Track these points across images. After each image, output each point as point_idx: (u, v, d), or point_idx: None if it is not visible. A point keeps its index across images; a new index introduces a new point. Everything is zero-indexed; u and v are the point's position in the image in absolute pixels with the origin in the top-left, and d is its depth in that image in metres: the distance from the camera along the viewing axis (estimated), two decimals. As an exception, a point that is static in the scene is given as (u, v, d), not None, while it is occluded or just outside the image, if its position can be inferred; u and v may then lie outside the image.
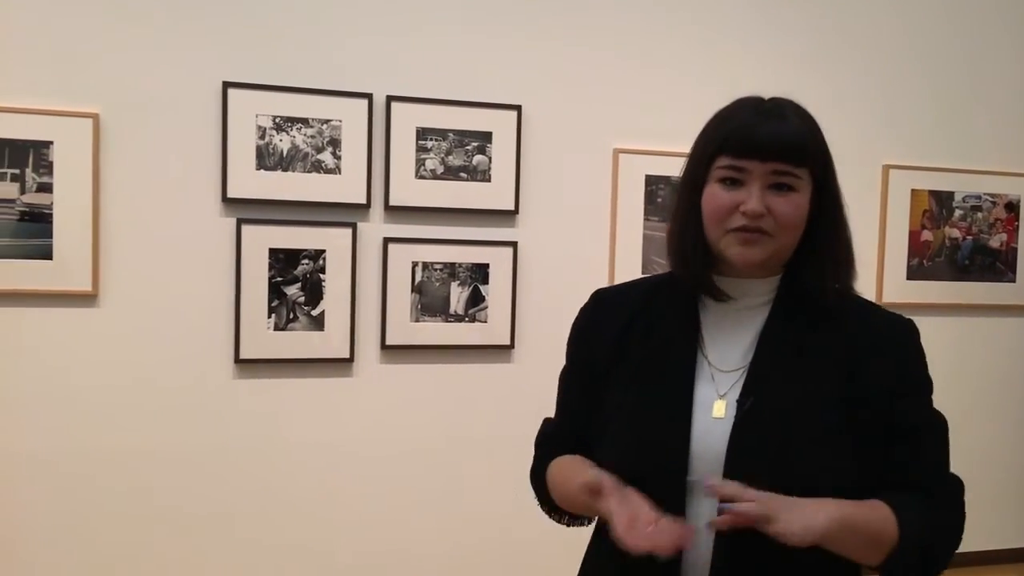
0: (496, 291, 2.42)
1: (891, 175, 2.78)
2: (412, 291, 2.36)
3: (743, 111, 1.06)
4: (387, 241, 2.34)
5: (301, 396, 2.31)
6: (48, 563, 2.16)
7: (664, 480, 1.02)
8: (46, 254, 2.12)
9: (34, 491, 2.15)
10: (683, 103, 2.47)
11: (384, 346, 2.35)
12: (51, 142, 2.10)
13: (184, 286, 2.22)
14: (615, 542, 1.02)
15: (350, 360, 2.33)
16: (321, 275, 2.29)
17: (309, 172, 2.27)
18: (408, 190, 2.34)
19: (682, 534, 0.93)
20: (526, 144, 2.43)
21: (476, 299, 2.41)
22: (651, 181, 2.53)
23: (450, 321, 2.39)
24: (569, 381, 1.23)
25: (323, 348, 2.30)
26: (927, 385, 1.08)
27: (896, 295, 2.76)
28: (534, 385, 2.32)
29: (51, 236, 2.11)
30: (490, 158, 2.40)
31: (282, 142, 2.25)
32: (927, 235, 2.84)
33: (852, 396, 1.02)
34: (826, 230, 1.06)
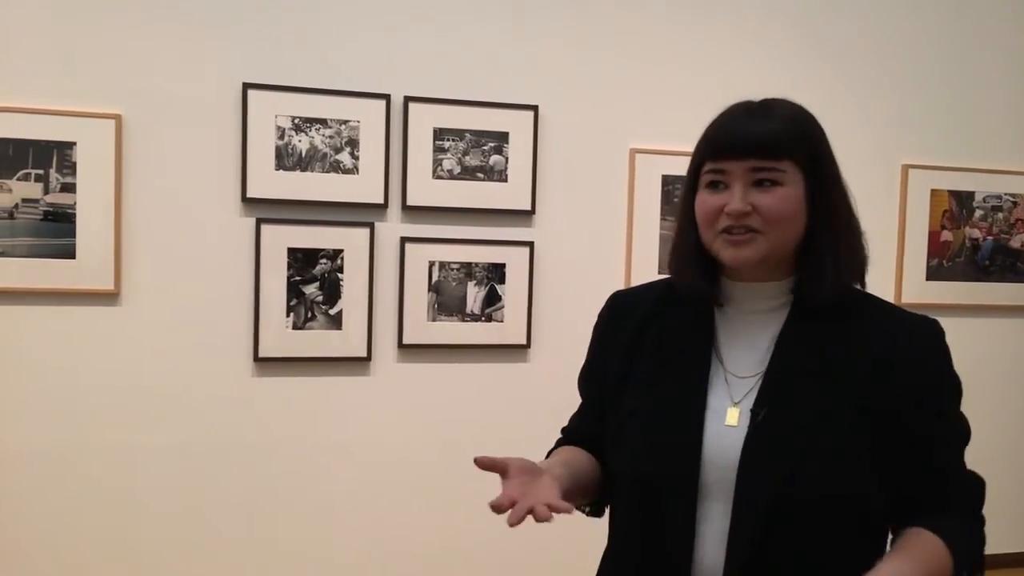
0: (512, 291, 2.43)
1: (910, 175, 2.76)
2: (429, 290, 2.38)
3: (728, 116, 1.06)
4: (404, 241, 2.35)
5: (319, 394, 2.33)
6: (69, 557, 2.20)
7: (676, 486, 1.02)
8: (69, 253, 2.15)
9: (55, 487, 2.18)
10: (700, 103, 2.45)
11: (401, 345, 2.37)
12: (74, 143, 2.14)
13: (204, 285, 2.24)
14: (630, 546, 1.03)
15: (367, 359, 2.35)
16: (339, 274, 2.31)
17: (327, 172, 2.29)
18: (425, 190, 2.35)
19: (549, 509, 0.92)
20: (543, 144, 2.44)
21: (492, 299, 2.42)
22: (668, 181, 2.52)
23: (466, 320, 2.40)
24: (586, 384, 1.23)
25: (341, 347, 2.32)
26: (953, 389, 1.05)
27: (915, 296, 2.74)
28: (550, 384, 2.34)
29: (74, 235, 2.15)
30: (507, 158, 2.41)
31: (301, 142, 2.27)
32: (947, 235, 2.82)
33: (873, 403, 0.99)
34: (828, 225, 1.03)
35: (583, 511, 1.17)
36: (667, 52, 2.54)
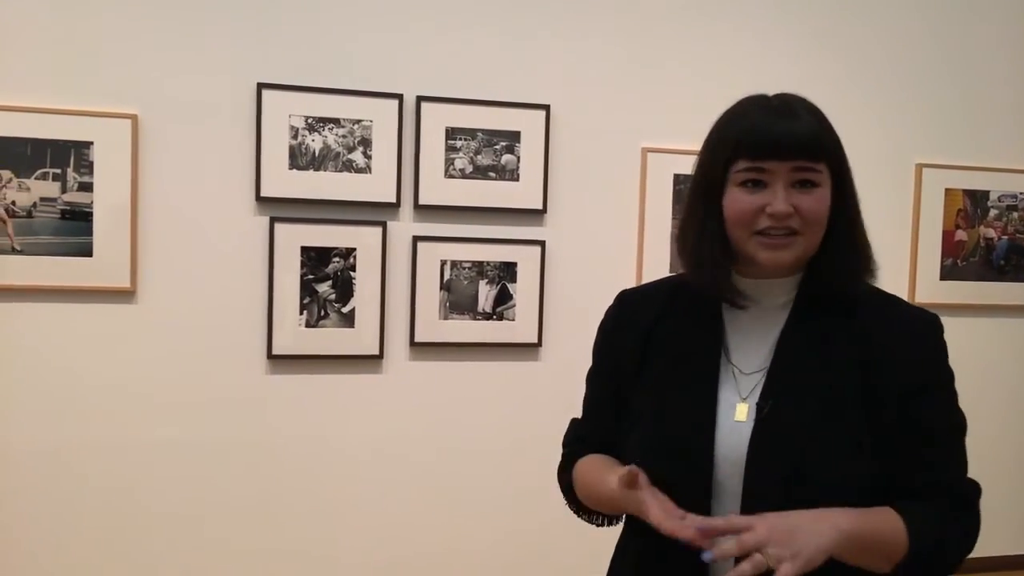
0: (524, 290, 2.44)
1: (924, 174, 2.75)
2: (441, 289, 2.39)
3: (752, 111, 1.05)
4: (416, 240, 2.36)
5: (331, 392, 2.35)
6: (82, 553, 2.22)
7: (688, 483, 1.03)
8: (86, 251, 2.17)
9: (69, 483, 2.21)
10: (712, 102, 2.43)
11: (413, 343, 2.38)
12: (91, 142, 2.16)
13: (218, 283, 2.26)
14: (641, 547, 1.03)
15: (380, 357, 2.36)
16: (352, 273, 2.33)
17: (340, 171, 2.30)
18: (437, 189, 2.36)
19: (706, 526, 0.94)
20: (554, 143, 2.45)
21: (504, 297, 2.43)
22: (679, 180, 2.52)
23: (478, 319, 2.41)
24: (595, 383, 1.23)
25: (353, 345, 2.33)
26: (948, 383, 1.06)
27: (929, 296, 2.72)
28: (561, 383, 2.34)
29: (91, 234, 2.17)
30: (518, 157, 2.41)
31: (314, 142, 2.29)
32: (961, 235, 2.80)
33: (872, 395, 1.01)
34: (846, 224, 1.05)
35: (599, 524, 1.18)
36: (679, 51, 2.54)
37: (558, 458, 1.23)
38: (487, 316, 2.42)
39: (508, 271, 2.43)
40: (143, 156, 2.20)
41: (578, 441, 1.22)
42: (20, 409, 2.18)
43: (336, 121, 2.30)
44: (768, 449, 1.00)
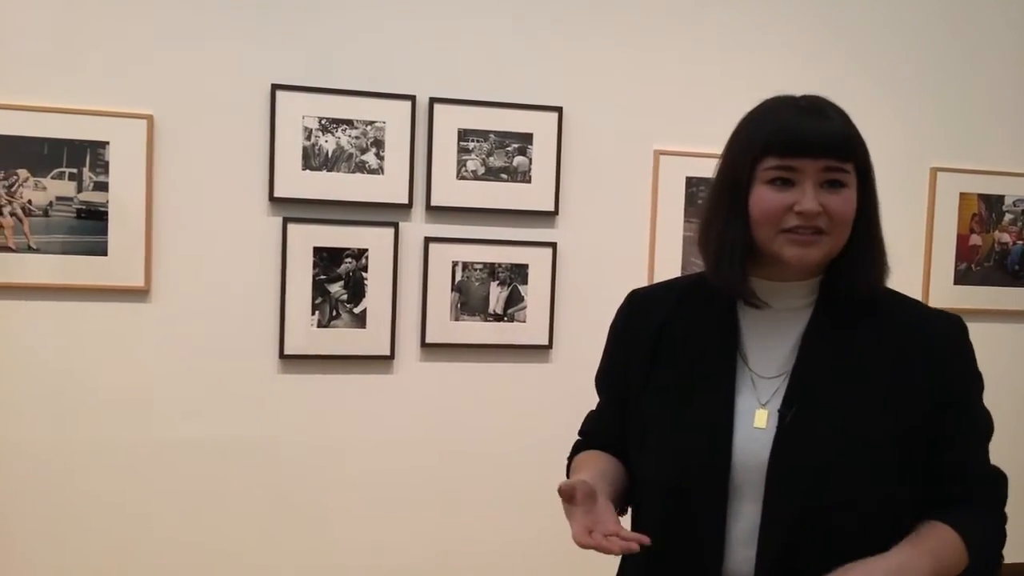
0: (535, 291, 2.44)
1: (939, 178, 2.73)
2: (452, 290, 2.39)
3: (782, 109, 1.04)
4: (428, 241, 2.37)
5: (343, 392, 2.36)
6: (97, 548, 2.24)
7: (706, 490, 1.01)
8: (101, 250, 2.19)
9: (82, 481, 2.23)
10: (725, 104, 2.44)
11: (424, 344, 2.38)
12: (107, 142, 2.18)
13: (232, 283, 2.28)
14: (657, 549, 1.03)
15: (391, 357, 2.37)
16: (363, 274, 2.34)
17: (353, 172, 2.31)
18: (449, 191, 2.37)
19: (629, 544, 0.93)
20: (566, 145, 2.45)
21: (515, 299, 2.43)
22: (692, 183, 2.52)
23: (489, 321, 2.42)
24: (603, 383, 1.22)
25: (364, 345, 2.34)
26: (976, 385, 1.05)
27: (943, 300, 2.70)
28: (572, 385, 2.34)
29: (106, 233, 2.19)
30: (530, 159, 2.42)
31: (327, 143, 2.30)
32: (976, 239, 2.78)
33: (898, 400, 0.99)
34: (868, 226, 1.04)
35: None
36: (692, 54, 2.53)
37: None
38: (498, 317, 2.42)
39: (519, 273, 2.43)
40: (158, 156, 2.22)
41: (585, 434, 1.24)
42: (34, 407, 2.20)
43: (349, 122, 2.31)
44: (792, 458, 0.99)
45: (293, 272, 2.29)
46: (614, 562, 1.19)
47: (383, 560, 2.41)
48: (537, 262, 2.44)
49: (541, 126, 2.42)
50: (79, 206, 2.18)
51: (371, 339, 2.35)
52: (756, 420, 1.02)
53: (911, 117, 2.70)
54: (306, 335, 2.31)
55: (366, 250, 2.33)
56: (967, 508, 1.01)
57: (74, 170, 2.17)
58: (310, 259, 2.30)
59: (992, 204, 2.79)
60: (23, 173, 2.14)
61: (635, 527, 1.13)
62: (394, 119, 2.33)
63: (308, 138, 2.29)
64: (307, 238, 2.30)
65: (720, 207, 1.08)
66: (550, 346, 2.46)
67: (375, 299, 2.34)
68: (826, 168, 1.00)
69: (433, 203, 2.37)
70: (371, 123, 2.32)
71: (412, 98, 2.34)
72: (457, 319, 2.40)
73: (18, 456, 2.19)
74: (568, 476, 1.20)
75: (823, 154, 1.00)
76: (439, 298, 2.38)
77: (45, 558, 2.22)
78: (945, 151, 2.75)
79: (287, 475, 2.34)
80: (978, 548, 0.98)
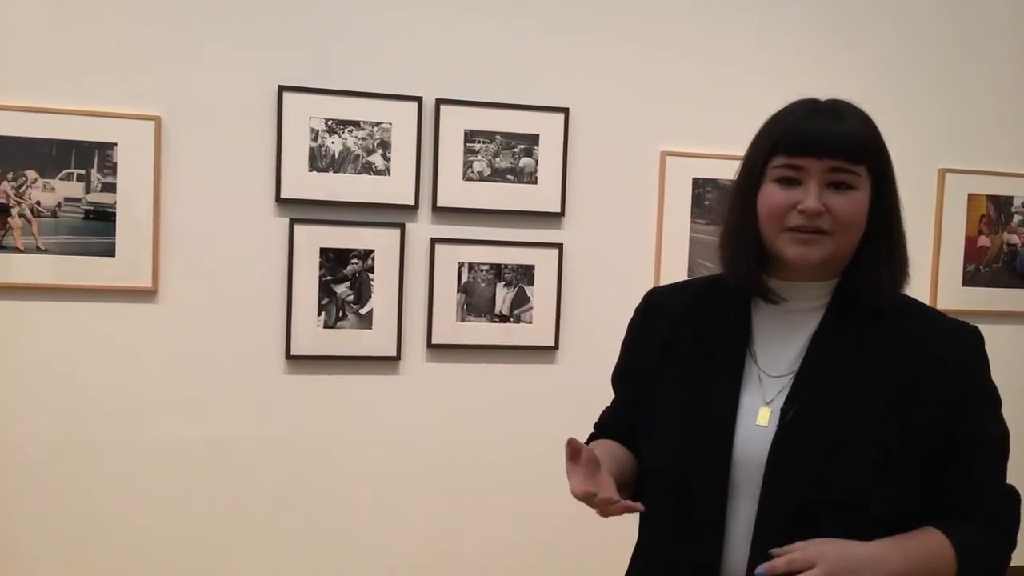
0: (541, 292, 2.44)
1: (947, 179, 2.72)
2: (458, 291, 2.39)
3: (798, 111, 1.04)
4: (434, 242, 2.37)
5: (349, 392, 2.36)
6: (104, 547, 2.25)
7: (706, 484, 1.02)
8: (109, 251, 2.20)
9: (89, 481, 2.24)
10: (732, 105, 2.46)
11: (430, 345, 2.39)
12: (115, 144, 2.19)
13: (239, 283, 2.28)
14: (660, 542, 1.03)
15: (397, 358, 2.37)
16: (370, 274, 2.34)
17: (359, 174, 2.32)
18: (455, 192, 2.37)
19: (626, 505, 0.95)
20: (573, 146, 2.45)
21: (521, 300, 2.43)
22: (698, 184, 2.52)
23: (495, 321, 2.42)
24: (621, 382, 1.23)
25: (371, 346, 2.35)
26: (992, 398, 1.03)
27: (951, 302, 2.70)
28: (577, 386, 2.34)
29: (114, 234, 2.20)
30: (537, 160, 2.42)
31: (334, 144, 2.30)
32: (984, 240, 2.77)
33: (907, 409, 0.98)
34: (886, 231, 1.03)
35: None
36: (699, 55, 2.53)
37: None
38: (504, 318, 2.42)
39: (525, 274, 2.43)
40: (165, 158, 2.23)
41: (599, 427, 1.26)
42: (41, 407, 2.21)
43: (356, 123, 2.31)
44: (789, 456, 0.99)
45: (300, 273, 2.30)
46: (623, 559, 1.19)
47: (388, 560, 2.41)
48: (543, 263, 2.44)
49: (547, 127, 2.42)
50: (87, 207, 2.19)
51: (377, 340, 2.35)
52: (759, 418, 1.02)
53: (919, 118, 2.69)
54: (312, 336, 2.31)
55: (372, 251, 2.34)
56: (968, 521, 0.99)
57: (82, 171, 2.18)
58: (316, 260, 2.31)
59: (1001, 205, 2.77)
60: (32, 174, 2.15)
61: (642, 520, 1.15)
62: (400, 120, 2.33)
63: (315, 139, 2.29)
64: (314, 239, 2.30)
65: (735, 206, 1.09)
66: (556, 347, 2.46)
67: (381, 300, 2.35)
68: (832, 169, 1.00)
69: (439, 204, 2.37)
70: (377, 124, 2.32)
71: (418, 99, 2.34)
72: (463, 320, 2.40)
73: (26, 456, 2.20)
74: None
75: (829, 154, 1.00)
76: (445, 299, 2.38)
77: (50, 552, 2.23)
78: (953, 152, 2.73)
79: (293, 475, 2.35)
80: (969, 561, 0.96)
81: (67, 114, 2.16)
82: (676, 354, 1.11)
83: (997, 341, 2.91)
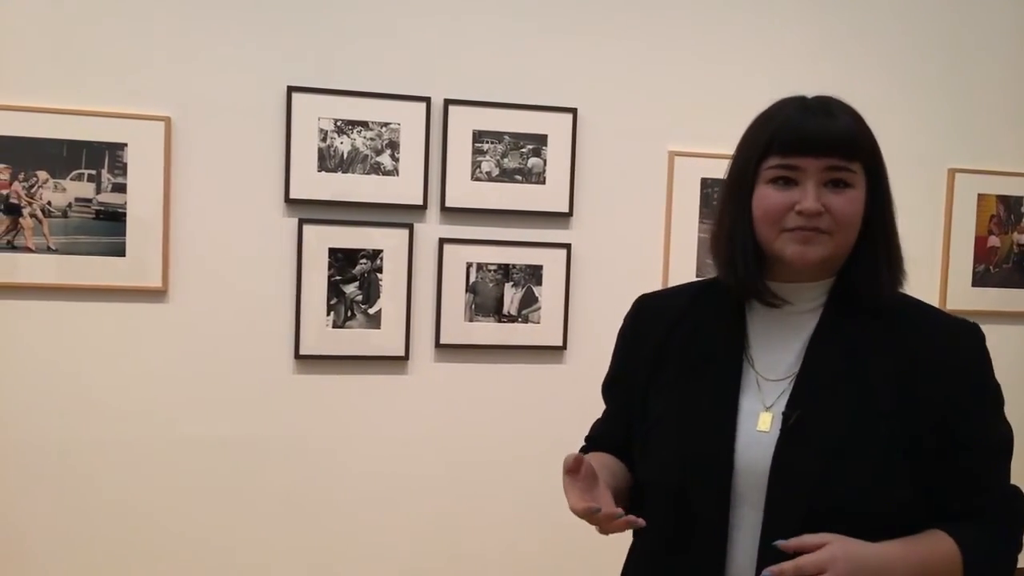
0: (549, 293, 2.44)
1: (957, 179, 2.71)
2: (466, 291, 2.40)
3: (788, 109, 1.02)
4: (443, 242, 2.37)
5: (357, 392, 2.37)
6: (114, 547, 2.26)
7: (707, 494, 0.99)
8: (119, 251, 2.21)
9: (97, 480, 2.25)
10: (740, 105, 2.42)
11: (438, 345, 2.39)
12: (125, 144, 2.20)
13: (248, 283, 2.29)
14: (659, 554, 1.01)
15: (405, 358, 2.38)
16: (378, 274, 2.34)
17: (368, 174, 2.32)
18: (464, 192, 2.38)
19: (628, 520, 0.94)
20: (581, 146, 2.45)
21: (529, 300, 2.43)
22: (706, 184, 2.51)
23: (503, 321, 2.42)
24: (612, 390, 1.21)
25: (379, 346, 2.35)
26: (994, 397, 1.01)
27: (961, 302, 2.69)
28: (586, 386, 2.32)
29: (124, 234, 2.21)
30: (545, 160, 2.42)
31: (343, 144, 2.31)
32: (994, 241, 2.76)
33: (910, 409, 0.96)
34: (881, 228, 1.02)
35: None
36: (707, 55, 2.53)
37: None
38: (512, 319, 2.42)
39: (534, 274, 2.43)
40: (175, 158, 2.24)
41: (590, 439, 1.24)
42: (50, 407, 2.22)
43: (364, 124, 2.31)
44: (794, 461, 0.96)
45: (308, 273, 2.30)
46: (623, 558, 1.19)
47: (396, 559, 2.42)
48: (551, 263, 2.44)
49: (556, 127, 2.42)
50: (97, 207, 2.20)
51: (386, 339, 2.36)
52: (760, 423, 1.00)
53: (929, 118, 2.68)
54: (321, 335, 2.32)
55: (381, 251, 2.34)
56: (974, 523, 0.97)
57: (93, 172, 2.19)
58: (325, 260, 2.31)
59: (1011, 205, 2.76)
60: (43, 175, 2.16)
61: (637, 532, 1.12)
62: (409, 120, 2.33)
63: (323, 140, 2.30)
64: (322, 239, 2.31)
65: (728, 209, 1.06)
66: (564, 347, 2.46)
67: (390, 300, 2.35)
68: (829, 167, 0.98)
69: (448, 204, 2.37)
70: (386, 124, 2.33)
71: (427, 99, 2.34)
72: (471, 320, 2.40)
73: (35, 455, 2.22)
74: None
75: (826, 152, 0.98)
76: (453, 299, 2.39)
77: (60, 554, 2.24)
78: (963, 152, 2.72)
79: (302, 474, 2.35)
80: (976, 564, 0.95)
81: (78, 115, 2.17)
82: (670, 361, 1.08)
83: (1007, 342, 2.92)
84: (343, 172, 2.31)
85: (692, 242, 2.52)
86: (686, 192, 2.51)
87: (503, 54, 2.41)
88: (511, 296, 2.42)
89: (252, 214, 2.29)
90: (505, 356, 2.44)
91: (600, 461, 1.12)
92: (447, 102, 2.35)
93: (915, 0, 2.67)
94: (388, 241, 2.34)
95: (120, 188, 2.20)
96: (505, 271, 2.41)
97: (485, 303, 2.41)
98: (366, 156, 2.32)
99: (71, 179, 2.18)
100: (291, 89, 2.27)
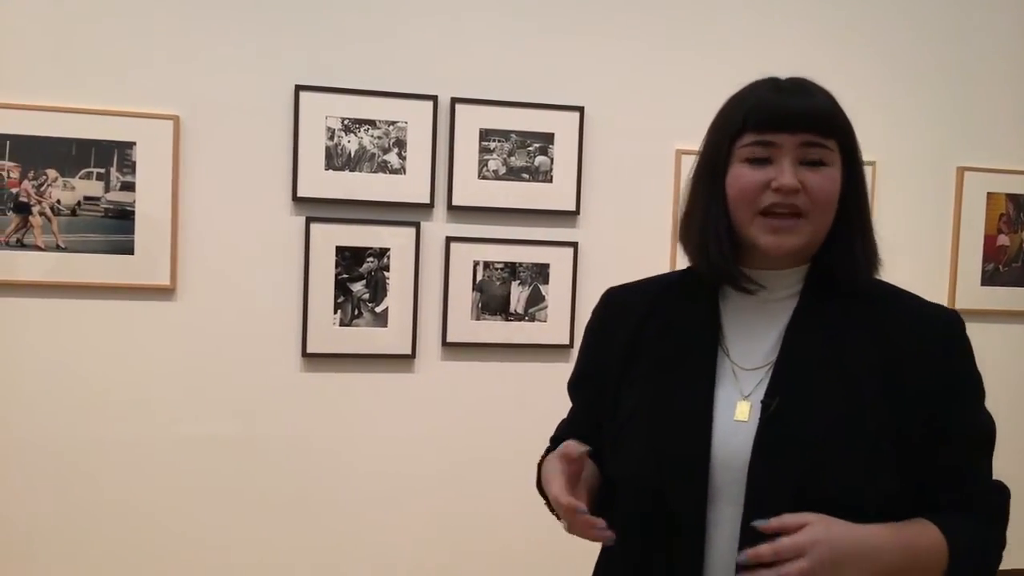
0: (556, 291, 2.44)
1: (966, 177, 2.70)
2: (473, 290, 2.40)
3: (762, 88, 1.02)
4: (449, 240, 2.38)
5: (364, 390, 2.37)
6: (119, 544, 2.27)
7: (683, 490, 0.95)
8: (128, 249, 2.22)
9: (105, 478, 2.26)
10: (748, 104, 2.44)
11: (445, 343, 2.39)
12: (134, 143, 2.21)
13: (256, 281, 2.30)
14: (632, 553, 0.99)
15: (412, 356, 2.38)
16: (385, 273, 2.35)
17: (375, 172, 2.33)
18: (471, 190, 2.38)
19: (604, 533, 0.93)
20: (588, 145, 2.44)
21: (536, 299, 2.43)
22: (714, 182, 2.50)
23: (510, 320, 2.42)
24: (579, 387, 1.18)
25: (386, 344, 2.36)
26: (975, 386, 0.98)
27: (970, 301, 2.67)
28: (592, 385, 2.33)
29: (133, 232, 2.22)
30: (552, 159, 2.42)
31: (350, 143, 2.31)
32: (1003, 240, 2.74)
33: (895, 399, 0.93)
34: (856, 210, 0.99)
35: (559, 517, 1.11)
36: (714, 52, 2.52)
37: None
38: (519, 317, 2.42)
39: (540, 272, 2.43)
40: (184, 156, 2.24)
41: (556, 440, 1.20)
42: (59, 405, 2.23)
43: (372, 123, 2.32)
44: (775, 451, 0.92)
45: (316, 271, 2.31)
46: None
47: (403, 557, 2.42)
48: (558, 262, 2.44)
49: (562, 126, 2.41)
50: (106, 206, 2.21)
51: (393, 338, 2.36)
52: (737, 412, 0.95)
53: (938, 116, 2.67)
54: (328, 334, 2.32)
55: (388, 249, 2.35)
56: (960, 514, 0.95)
57: (102, 170, 2.20)
58: (332, 258, 2.32)
59: (1020, 204, 2.74)
60: (52, 173, 2.18)
61: (612, 528, 1.10)
62: (416, 119, 2.34)
63: (331, 138, 2.30)
64: (330, 237, 2.31)
65: (701, 192, 1.02)
66: (571, 345, 2.46)
67: (397, 298, 2.36)
68: (805, 143, 0.95)
69: (454, 203, 2.37)
70: (393, 123, 2.33)
71: (434, 98, 2.34)
72: (478, 318, 2.41)
73: (43, 453, 2.23)
74: (539, 482, 1.17)
75: (802, 128, 0.95)
76: (460, 297, 2.39)
77: (62, 549, 2.25)
78: (972, 150, 2.71)
79: (309, 473, 2.36)
80: (961, 555, 0.91)
81: (87, 113, 2.18)
82: (642, 354, 1.04)
83: (1016, 341, 2.90)
84: (350, 171, 2.32)
85: (699, 241, 2.51)
86: (693, 191, 2.50)
87: (510, 53, 2.41)
88: (518, 295, 2.42)
89: (260, 212, 2.29)
90: (512, 355, 2.44)
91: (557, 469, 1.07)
92: (454, 101, 2.36)
93: (925, 1, 2.66)
94: (395, 240, 2.34)
95: (129, 186, 2.21)
96: (512, 270, 2.41)
97: (492, 302, 2.41)
98: (373, 155, 2.33)
99: (80, 177, 2.19)
100: (299, 88, 2.27)
